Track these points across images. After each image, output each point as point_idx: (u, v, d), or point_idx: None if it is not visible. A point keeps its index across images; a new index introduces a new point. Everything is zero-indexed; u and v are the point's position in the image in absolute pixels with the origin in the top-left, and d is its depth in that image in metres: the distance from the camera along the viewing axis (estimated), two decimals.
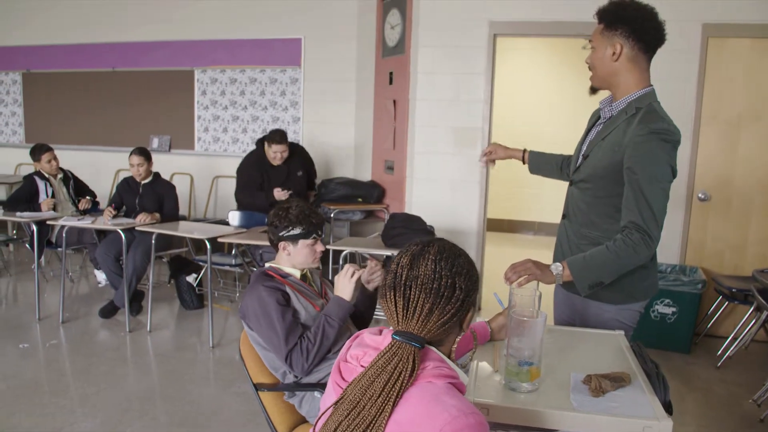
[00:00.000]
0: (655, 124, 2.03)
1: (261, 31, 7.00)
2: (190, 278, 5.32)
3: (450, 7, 5.19)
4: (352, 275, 2.40)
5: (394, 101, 5.73)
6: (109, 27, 7.49)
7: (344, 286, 2.40)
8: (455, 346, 1.42)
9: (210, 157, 7.41)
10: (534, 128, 8.59)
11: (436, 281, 1.33)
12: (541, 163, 2.79)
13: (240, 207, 5.59)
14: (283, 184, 5.38)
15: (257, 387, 2.39)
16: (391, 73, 5.83)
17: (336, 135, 6.91)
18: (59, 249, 5.32)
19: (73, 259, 6.63)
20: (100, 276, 5.38)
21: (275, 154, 5.36)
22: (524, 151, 2.81)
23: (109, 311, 5.05)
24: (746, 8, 4.70)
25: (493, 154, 2.85)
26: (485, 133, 5.25)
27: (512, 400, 1.68)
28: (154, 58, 7.42)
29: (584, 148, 2.31)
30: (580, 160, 2.30)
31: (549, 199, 8.71)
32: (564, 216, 2.41)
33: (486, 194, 5.35)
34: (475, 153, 5.25)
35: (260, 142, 5.56)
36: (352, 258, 5.30)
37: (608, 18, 2.13)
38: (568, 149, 7.84)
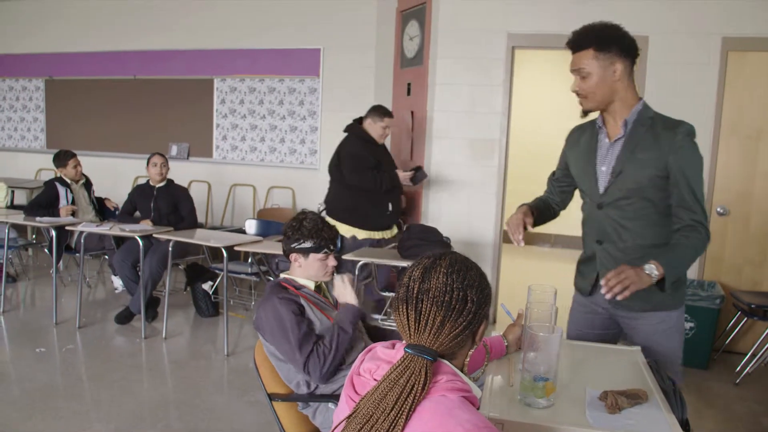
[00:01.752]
0: (682, 126, 2.15)
1: (280, 41, 7.05)
2: (206, 286, 5.34)
3: (469, 19, 5.20)
4: (343, 281, 2.48)
5: (412, 112, 5.73)
6: (131, 35, 7.60)
7: (344, 293, 2.47)
8: (468, 359, 1.42)
9: (228, 165, 7.46)
10: (551, 140, 8.53)
11: (447, 294, 1.33)
12: (543, 213, 2.69)
13: (348, 195, 4.88)
14: (393, 164, 5.02)
15: (271, 397, 2.39)
16: (409, 84, 5.84)
17: None
18: (77, 254, 5.37)
19: (90, 264, 6.68)
20: (117, 282, 5.42)
21: (384, 130, 4.91)
22: (527, 205, 2.66)
23: (125, 317, 5.08)
24: (766, 22, 4.66)
25: (527, 225, 2.55)
26: (503, 145, 5.24)
27: (527, 415, 1.66)
28: (174, 66, 7.51)
29: (604, 168, 2.29)
30: (606, 181, 2.29)
31: (566, 211, 8.63)
32: (599, 242, 2.36)
33: (503, 206, 5.32)
34: (492, 164, 5.23)
35: (357, 123, 5.00)
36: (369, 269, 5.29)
37: (598, 41, 2.18)
38: None
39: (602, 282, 2.04)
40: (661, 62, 4.74)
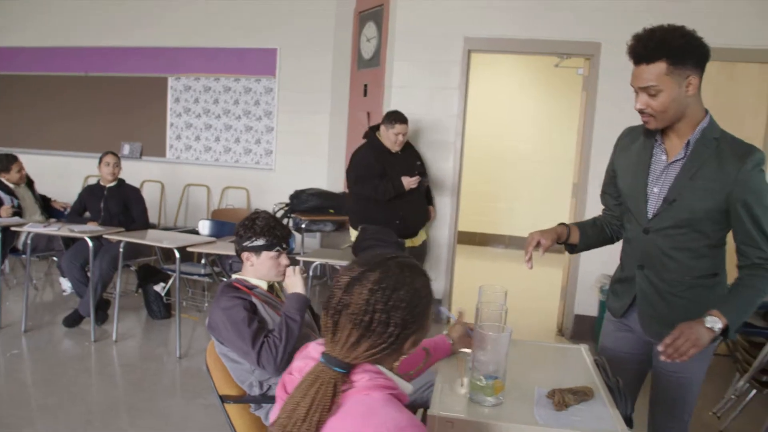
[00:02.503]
0: (754, 156, 1.91)
1: (237, 40, 6.99)
2: (158, 287, 5.25)
3: (426, 21, 5.23)
4: (294, 272, 2.46)
5: (368, 113, 5.74)
6: (82, 30, 7.42)
7: (293, 283, 2.45)
8: (398, 363, 1.38)
9: (182, 165, 7.35)
10: (509, 144, 8.68)
11: (367, 315, 1.27)
12: (590, 237, 2.38)
13: (358, 203, 4.78)
14: (408, 172, 4.69)
15: (223, 399, 2.37)
16: (365, 86, 5.85)
17: (309, 145, 6.91)
18: (23, 256, 5.22)
19: (37, 266, 6.51)
20: (66, 284, 5.29)
21: (396, 136, 4.64)
22: (564, 225, 2.36)
23: (73, 320, 4.95)
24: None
25: (540, 246, 2.25)
26: (458, 148, 5.29)
27: (476, 413, 1.68)
28: (127, 64, 7.36)
29: (656, 190, 2.07)
30: (656, 205, 2.07)
31: (521, 214, 8.79)
32: (641, 266, 2.14)
33: (457, 207, 5.38)
34: (447, 166, 5.28)
35: (372, 132, 4.83)
36: (323, 270, 5.29)
37: (673, 53, 1.86)
38: (544, 165, 7.95)
39: (659, 348, 1.87)
40: (613, 69, 4.82)
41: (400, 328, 1.29)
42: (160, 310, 5.27)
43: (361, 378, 1.28)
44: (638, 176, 2.10)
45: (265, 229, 2.47)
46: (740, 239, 1.96)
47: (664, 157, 2.05)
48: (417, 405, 2.47)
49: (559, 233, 2.29)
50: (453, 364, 2.03)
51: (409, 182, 4.58)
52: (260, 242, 2.47)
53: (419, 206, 4.88)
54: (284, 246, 2.52)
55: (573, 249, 2.39)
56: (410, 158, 4.84)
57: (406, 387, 1.35)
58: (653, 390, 2.25)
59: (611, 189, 2.31)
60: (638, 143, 2.14)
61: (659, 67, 1.87)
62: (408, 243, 4.72)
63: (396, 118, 4.62)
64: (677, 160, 2.01)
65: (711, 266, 2.05)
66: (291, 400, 1.26)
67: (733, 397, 3.64)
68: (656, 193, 2.06)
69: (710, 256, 2.04)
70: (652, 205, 2.07)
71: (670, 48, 1.86)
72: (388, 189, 4.57)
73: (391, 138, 4.64)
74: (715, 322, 1.87)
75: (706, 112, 1.99)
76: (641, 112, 1.97)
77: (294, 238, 5.14)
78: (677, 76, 1.87)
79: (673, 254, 2.05)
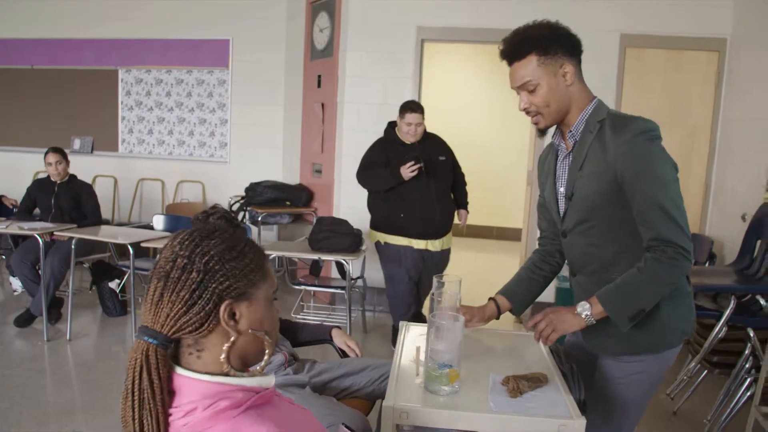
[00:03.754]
0: (633, 125, 1.78)
1: (188, 32, 6.88)
2: (113, 284, 5.16)
3: (378, 11, 5.23)
4: None
5: (323, 104, 5.72)
6: (26, 21, 7.21)
7: None
8: (224, 355, 1.13)
9: (135, 159, 7.22)
10: (463, 132, 8.73)
11: (170, 263, 1.11)
12: (526, 293, 2.25)
13: (369, 195, 4.54)
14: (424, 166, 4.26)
15: None
16: (319, 76, 5.82)
17: (264, 138, 6.85)
18: None
19: None
20: (16, 283, 5.16)
21: (409, 126, 4.31)
22: (493, 300, 2.24)
23: (25, 320, 4.83)
24: (661, 20, 4.91)
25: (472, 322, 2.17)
26: None
27: (432, 402, 1.70)
28: (76, 56, 7.19)
29: (562, 190, 1.99)
30: (563, 205, 1.99)
31: (476, 202, 8.83)
32: (573, 273, 2.07)
33: None
34: None
35: (389, 125, 4.55)
36: (281, 262, 5.26)
37: (540, 44, 1.83)
38: (500, 154, 8.04)
39: (528, 324, 1.86)
40: None
41: (203, 275, 1.10)
42: (116, 307, 5.18)
43: (192, 406, 1.08)
44: (549, 182, 2.06)
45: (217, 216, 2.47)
46: (637, 219, 1.81)
47: (563, 156, 2.00)
48: (375, 396, 2.49)
49: (489, 315, 2.19)
50: (410, 354, 2.04)
51: (405, 170, 4.17)
52: None
53: (435, 203, 4.33)
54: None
55: (517, 311, 2.25)
56: (430, 151, 4.38)
57: (265, 380, 1.17)
58: (593, 395, 2.06)
59: (542, 211, 2.23)
60: (550, 155, 2.09)
61: (530, 60, 1.84)
62: (420, 245, 4.35)
63: (406, 106, 4.34)
64: (569, 154, 1.95)
65: (637, 258, 1.83)
66: (124, 388, 1.11)
67: (685, 378, 3.74)
68: (562, 192, 1.99)
69: (632, 248, 1.86)
70: (562, 206, 2.01)
71: (536, 39, 1.84)
72: (384, 177, 4.27)
73: (403, 129, 4.35)
74: (585, 308, 1.84)
75: (594, 99, 1.92)
76: (527, 112, 1.92)
77: (251, 231, 5.09)
78: (550, 66, 1.83)
79: (593, 251, 1.95)
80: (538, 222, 2.28)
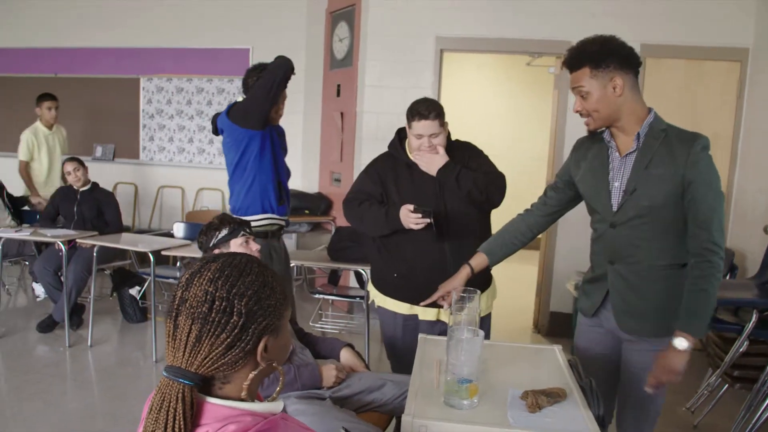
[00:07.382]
0: (700, 139, 2.02)
1: (209, 41, 6.94)
2: (134, 291, 5.22)
3: (398, 21, 5.25)
4: None
5: (342, 113, 5.74)
6: (51, 31, 7.32)
7: None
8: (249, 382, 1.15)
9: (155, 166, 7.29)
10: (482, 142, 8.68)
11: (206, 304, 1.10)
12: (503, 256, 2.47)
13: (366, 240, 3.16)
14: (428, 198, 2.77)
15: None
16: (338, 86, 5.85)
17: None
18: None
19: (10, 271, 6.43)
20: (39, 289, 5.23)
21: (420, 140, 2.79)
22: (468, 266, 2.43)
23: (47, 326, 4.90)
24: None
25: (449, 295, 2.29)
26: None
27: (451, 416, 1.71)
28: (98, 65, 7.28)
29: (617, 184, 2.15)
30: (619, 198, 2.14)
31: (494, 211, 8.81)
32: (611, 262, 2.20)
33: None
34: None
35: (397, 135, 3.03)
36: (299, 271, 5.28)
37: (592, 58, 2.04)
38: (518, 164, 7.99)
39: (646, 389, 2.05)
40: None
41: (245, 318, 1.11)
42: (136, 313, 5.23)
43: (204, 430, 1.09)
44: (598, 176, 2.21)
45: (224, 220, 2.58)
46: (693, 222, 2.03)
47: (617, 154, 2.16)
48: (397, 412, 2.48)
49: (461, 280, 2.38)
50: (430, 368, 2.05)
51: (407, 218, 2.64)
52: (225, 232, 2.56)
53: (449, 260, 2.74)
54: (248, 230, 2.62)
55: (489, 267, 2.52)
56: (452, 185, 2.80)
57: (274, 406, 1.18)
58: (621, 385, 2.29)
59: (560, 183, 2.40)
60: (594, 148, 2.26)
61: (584, 72, 2.07)
62: (429, 315, 2.81)
63: (414, 111, 2.81)
64: (631, 153, 2.12)
65: (678, 256, 2.10)
66: (146, 425, 1.10)
67: (705, 392, 3.71)
68: (617, 186, 2.16)
69: (677, 244, 2.09)
70: (616, 199, 2.16)
71: (588, 53, 2.06)
72: (376, 218, 2.78)
73: (413, 143, 2.84)
74: (682, 343, 1.99)
75: (650, 109, 2.14)
76: (579, 114, 2.15)
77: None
78: (601, 78, 2.05)
79: (641, 244, 2.13)
80: (547, 190, 2.46)
